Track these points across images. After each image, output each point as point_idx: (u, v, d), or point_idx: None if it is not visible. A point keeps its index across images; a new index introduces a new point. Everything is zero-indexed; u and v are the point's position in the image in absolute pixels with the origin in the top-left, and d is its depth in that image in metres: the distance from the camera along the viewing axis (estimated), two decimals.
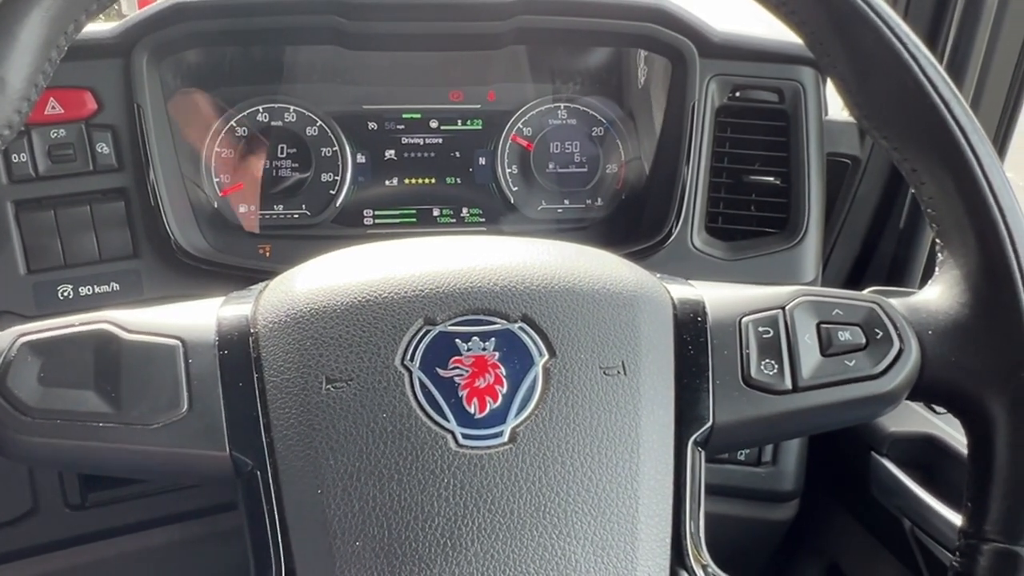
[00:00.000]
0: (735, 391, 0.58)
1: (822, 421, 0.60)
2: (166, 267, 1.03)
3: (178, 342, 0.55)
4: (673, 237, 1.08)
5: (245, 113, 1.15)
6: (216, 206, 1.14)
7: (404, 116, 1.16)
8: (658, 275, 0.66)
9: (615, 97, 1.24)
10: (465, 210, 1.19)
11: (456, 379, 0.55)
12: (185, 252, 1.02)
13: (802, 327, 0.60)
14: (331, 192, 1.16)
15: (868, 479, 1.06)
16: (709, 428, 0.57)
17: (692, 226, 1.09)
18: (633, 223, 1.17)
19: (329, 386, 0.54)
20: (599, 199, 1.21)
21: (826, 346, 0.59)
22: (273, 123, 1.15)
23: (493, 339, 0.56)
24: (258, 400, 0.54)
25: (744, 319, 0.60)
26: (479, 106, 1.17)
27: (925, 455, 1.01)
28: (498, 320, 0.56)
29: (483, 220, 1.19)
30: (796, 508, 1.16)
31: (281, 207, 1.16)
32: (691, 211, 1.09)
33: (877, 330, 0.59)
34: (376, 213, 1.18)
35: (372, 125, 1.16)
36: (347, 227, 1.17)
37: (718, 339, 0.59)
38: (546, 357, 0.56)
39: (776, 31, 1.16)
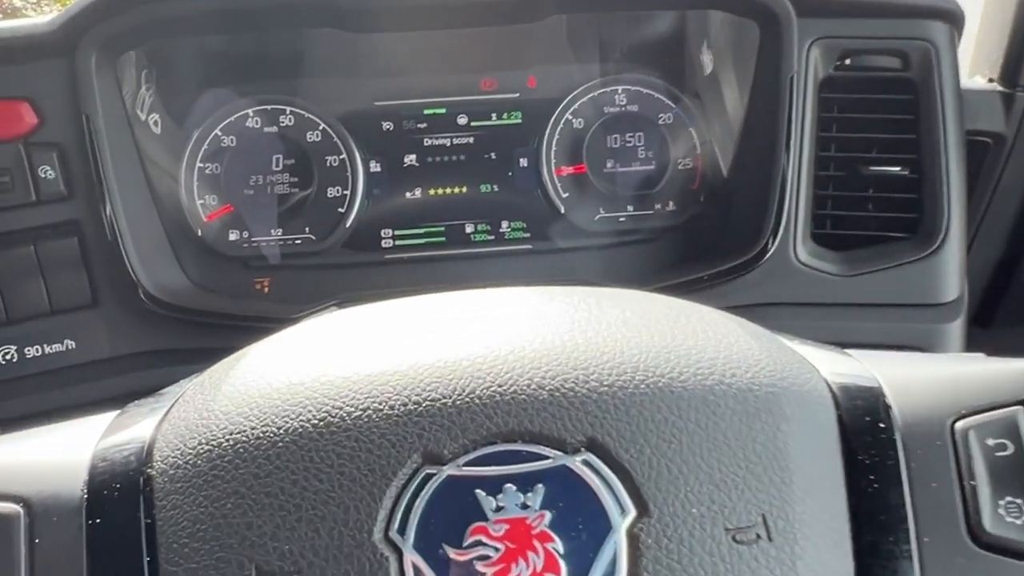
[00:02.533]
0: (958, 555, 0.34)
1: None
2: (133, 317, 0.83)
3: (18, 507, 0.34)
4: (772, 251, 0.85)
5: (231, 119, 0.95)
6: (200, 234, 0.94)
7: (426, 112, 0.98)
8: (794, 340, 0.42)
9: (683, 75, 1.01)
10: (505, 224, 0.98)
11: (479, 565, 0.32)
12: (154, 298, 0.82)
13: None
14: (339, 210, 0.96)
15: None
16: None
17: (795, 234, 0.86)
18: (716, 233, 0.95)
19: None
20: (671, 203, 0.98)
21: None
22: (266, 129, 0.96)
23: (540, 487, 0.33)
24: None
25: (959, 424, 0.36)
26: (517, 95, 0.99)
27: None
28: (547, 451, 0.33)
29: (527, 235, 0.98)
30: None
31: (280, 231, 0.95)
32: (793, 215, 0.86)
33: None
34: (396, 233, 0.97)
35: (387, 125, 0.98)
36: (361, 252, 0.97)
37: (919, 461, 0.36)
38: (632, 515, 0.33)
39: None
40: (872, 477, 0.35)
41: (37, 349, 0.82)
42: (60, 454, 0.37)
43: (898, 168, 0.88)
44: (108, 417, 0.39)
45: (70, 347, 0.82)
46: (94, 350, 0.83)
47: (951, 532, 0.35)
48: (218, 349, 0.86)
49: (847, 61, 0.88)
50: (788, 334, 0.44)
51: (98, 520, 0.34)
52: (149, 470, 0.35)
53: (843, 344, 0.85)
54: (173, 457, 0.35)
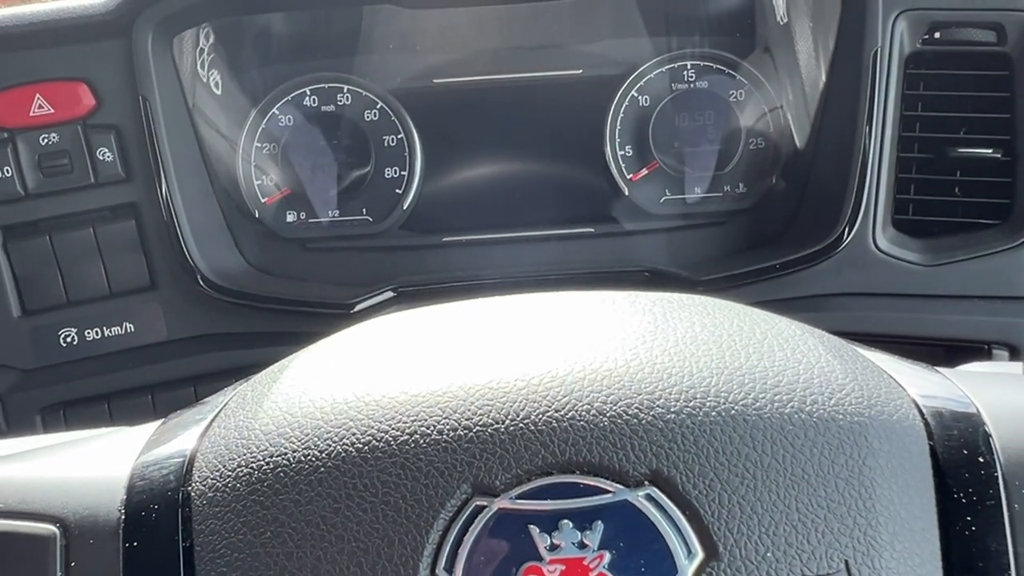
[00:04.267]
0: None
1: None
2: (190, 300, 0.83)
3: (55, 528, 0.32)
4: (850, 238, 0.81)
5: (289, 98, 0.94)
6: (258, 215, 0.93)
7: (486, 90, 0.95)
8: (876, 354, 0.38)
9: (757, 49, 0.95)
10: (566, 206, 0.93)
11: None
12: (211, 282, 0.82)
13: None
14: (397, 191, 0.94)
15: None
16: None
17: (875, 220, 0.82)
18: (789, 217, 0.90)
19: None
20: (741, 185, 0.94)
21: None
22: (323, 108, 0.93)
23: (600, 524, 0.31)
24: None
25: None
26: (580, 71, 0.95)
27: None
28: (608, 485, 0.31)
29: (589, 218, 0.93)
30: None
31: (336, 213, 0.93)
32: (873, 200, 0.82)
33: None
34: (454, 215, 0.94)
35: (446, 104, 0.95)
36: (419, 234, 0.94)
37: None
38: (699, 558, 0.30)
39: None
40: (969, 519, 0.32)
41: (97, 332, 0.82)
42: (98, 470, 0.35)
43: (989, 150, 0.82)
44: (149, 428, 0.38)
45: (129, 330, 0.83)
46: (152, 333, 0.83)
47: None
48: (275, 333, 0.85)
49: (936, 35, 0.83)
50: (869, 330, 0.41)
51: (135, 544, 0.33)
52: (188, 489, 0.34)
53: (925, 339, 0.80)
54: (212, 478, 0.33)
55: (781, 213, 0.91)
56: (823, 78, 0.87)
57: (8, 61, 0.79)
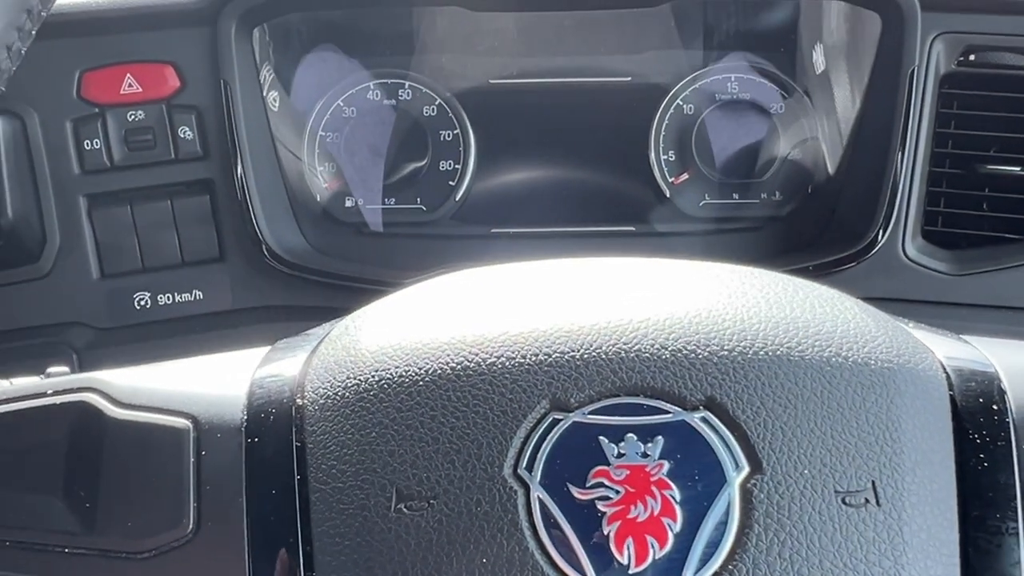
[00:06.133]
0: None
1: None
2: (256, 273, 0.88)
3: (188, 423, 0.38)
4: (880, 245, 0.85)
5: (353, 91, 0.99)
6: (319, 199, 0.98)
7: (538, 92, 0.99)
8: (910, 324, 0.43)
9: (799, 65, 1.00)
10: (610, 206, 0.98)
11: (600, 505, 0.34)
12: (277, 256, 0.87)
13: None
14: (450, 183, 0.99)
15: None
16: None
17: (905, 230, 0.86)
18: (822, 224, 0.94)
19: (402, 506, 0.35)
20: (777, 192, 0.98)
21: None
22: (385, 102, 0.98)
23: (660, 439, 0.35)
24: (298, 518, 0.36)
25: None
26: (629, 79, 0.99)
27: None
28: (668, 407, 0.36)
29: (631, 218, 0.98)
30: None
31: (393, 200, 0.99)
32: (904, 210, 0.85)
33: None
34: (503, 209, 0.99)
35: (500, 103, 0.99)
36: (468, 225, 0.99)
37: None
38: (746, 471, 0.35)
39: None
40: (982, 456, 0.37)
41: (168, 297, 0.88)
42: (221, 381, 0.40)
43: (1018, 168, 0.86)
44: (261, 351, 0.43)
45: (198, 297, 0.88)
46: (219, 302, 0.89)
47: None
48: (333, 308, 0.91)
49: (971, 57, 0.86)
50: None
51: (256, 440, 0.38)
52: (300, 400, 0.39)
53: None
54: (323, 389, 0.38)
55: (816, 220, 0.95)
56: (857, 101, 0.91)
57: (104, 42, 0.85)
